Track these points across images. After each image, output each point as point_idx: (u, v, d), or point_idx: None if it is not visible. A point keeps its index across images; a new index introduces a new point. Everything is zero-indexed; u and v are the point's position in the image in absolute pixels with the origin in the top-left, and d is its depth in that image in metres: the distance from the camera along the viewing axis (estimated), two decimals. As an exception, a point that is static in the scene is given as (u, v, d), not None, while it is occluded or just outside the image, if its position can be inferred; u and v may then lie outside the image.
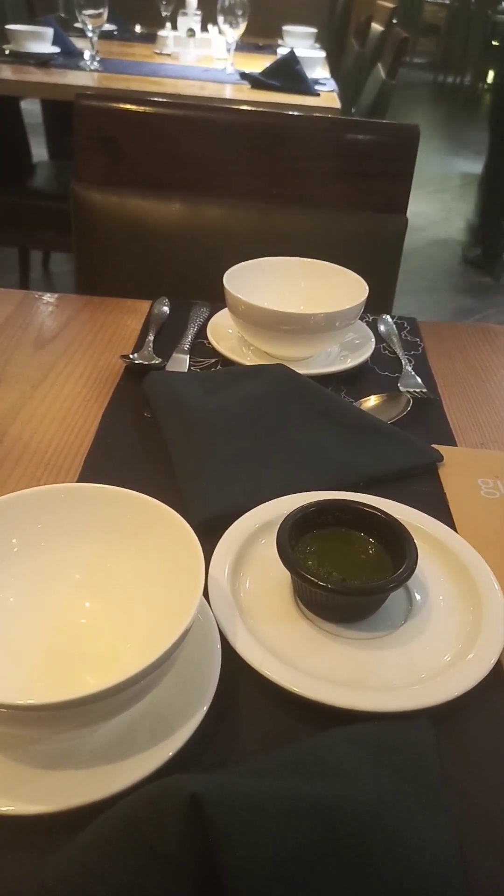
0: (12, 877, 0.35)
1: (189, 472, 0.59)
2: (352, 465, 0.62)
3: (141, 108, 1.04)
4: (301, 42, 3.15)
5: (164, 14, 3.10)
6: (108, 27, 2.68)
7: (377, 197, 1.07)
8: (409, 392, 0.74)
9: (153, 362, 0.76)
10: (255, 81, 2.19)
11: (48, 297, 0.92)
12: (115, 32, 3.02)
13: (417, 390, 0.75)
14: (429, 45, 7.64)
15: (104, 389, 0.73)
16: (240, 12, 2.31)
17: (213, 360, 0.79)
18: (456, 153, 5.47)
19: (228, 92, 2.16)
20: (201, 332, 0.84)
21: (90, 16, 2.23)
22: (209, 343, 0.80)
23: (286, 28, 3.30)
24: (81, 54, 2.33)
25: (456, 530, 0.57)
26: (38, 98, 2.53)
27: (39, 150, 2.70)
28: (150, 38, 2.94)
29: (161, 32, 2.82)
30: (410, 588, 0.50)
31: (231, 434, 0.63)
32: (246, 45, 2.97)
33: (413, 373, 0.79)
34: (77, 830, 0.33)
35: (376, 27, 3.13)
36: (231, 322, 0.80)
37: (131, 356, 0.77)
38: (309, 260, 0.85)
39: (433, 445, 0.66)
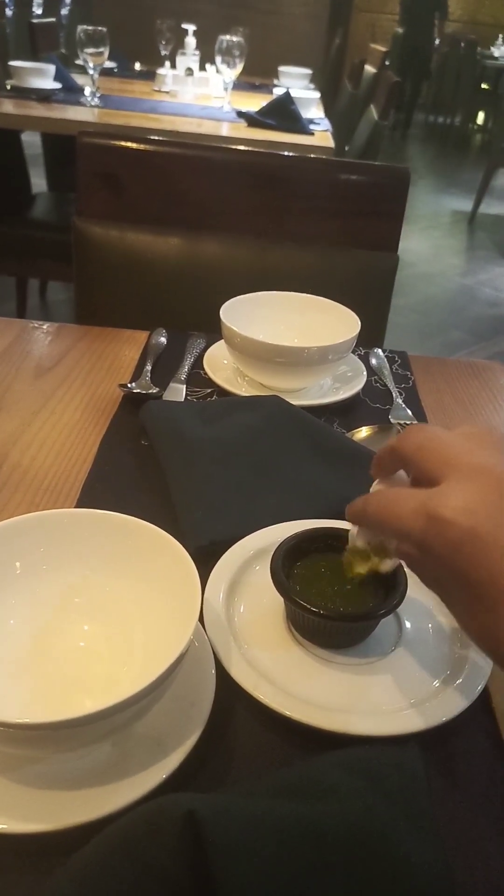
0: (7, 895, 0.35)
1: (185, 499, 0.61)
2: (344, 494, 0.63)
3: (142, 146, 1.07)
4: (296, 82, 3.24)
5: (163, 53, 3.20)
6: (108, 65, 2.75)
7: (370, 235, 1.11)
8: (399, 424, 0.76)
9: (150, 391, 0.78)
10: (252, 120, 2.24)
11: (48, 326, 0.94)
12: (116, 70, 3.10)
13: (408, 422, 0.77)
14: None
15: (102, 417, 0.75)
16: (237, 53, 2.38)
17: (209, 391, 0.81)
18: (446, 191, 5.59)
19: (225, 129, 2.22)
20: (198, 362, 0.85)
21: (91, 54, 2.29)
22: (205, 374, 0.82)
23: (282, 69, 3.39)
24: (82, 90, 2.39)
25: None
26: (39, 131, 2.58)
27: (39, 182, 2.75)
28: (149, 75, 3.01)
29: (160, 70, 2.89)
30: (400, 615, 0.52)
31: (227, 463, 0.65)
32: (242, 84, 3.05)
33: (403, 405, 0.81)
34: (72, 850, 0.34)
35: (369, 69, 3.23)
36: (227, 353, 0.82)
37: (129, 385, 0.79)
38: (303, 295, 0.87)
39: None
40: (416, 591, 0.53)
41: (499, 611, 0.34)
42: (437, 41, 7.15)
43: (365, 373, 0.84)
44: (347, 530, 0.51)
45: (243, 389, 0.80)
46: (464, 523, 0.34)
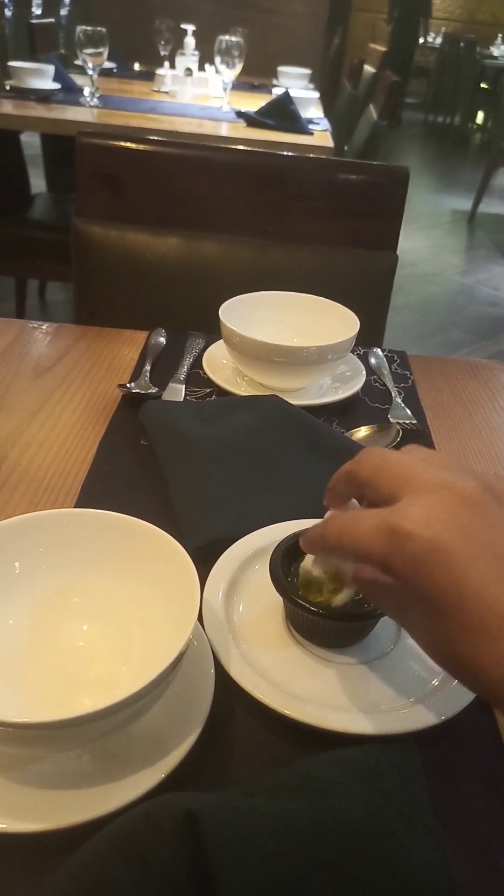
0: (7, 894, 0.35)
1: (184, 499, 0.61)
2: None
3: (141, 147, 1.07)
4: (295, 82, 3.24)
5: (162, 53, 3.20)
6: (107, 65, 2.75)
7: (368, 235, 1.11)
8: (398, 423, 0.76)
9: (150, 391, 0.78)
10: (251, 120, 2.24)
11: (47, 326, 0.94)
12: (115, 70, 3.10)
13: (407, 422, 0.77)
14: (420, 86, 7.86)
15: (101, 417, 0.75)
16: (236, 53, 2.38)
17: (208, 390, 0.81)
18: (446, 190, 5.59)
19: (224, 130, 2.22)
20: (197, 362, 0.85)
21: (90, 54, 2.29)
22: (204, 373, 0.82)
23: (281, 69, 3.39)
24: (81, 91, 2.39)
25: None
26: (39, 132, 2.58)
27: (38, 182, 2.75)
28: (148, 76, 3.01)
29: (159, 71, 2.89)
30: (399, 614, 0.52)
31: (226, 462, 0.65)
32: (242, 85, 3.05)
33: (403, 405, 0.81)
34: (72, 849, 0.34)
35: (368, 69, 3.23)
36: (226, 353, 0.82)
37: (128, 385, 0.79)
38: (302, 295, 0.87)
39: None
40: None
41: (459, 624, 0.32)
42: (426, 38, 7.52)
43: (364, 372, 0.84)
44: None
45: (242, 389, 0.80)
46: (426, 535, 0.33)
